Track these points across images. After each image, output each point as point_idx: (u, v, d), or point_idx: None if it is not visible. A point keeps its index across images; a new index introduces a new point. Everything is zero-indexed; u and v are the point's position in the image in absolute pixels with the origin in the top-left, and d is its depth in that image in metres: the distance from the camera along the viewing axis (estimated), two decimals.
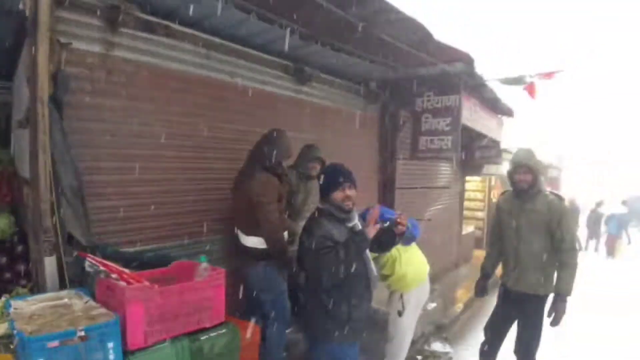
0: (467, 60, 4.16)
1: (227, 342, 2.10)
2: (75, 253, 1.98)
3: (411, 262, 3.11)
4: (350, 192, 2.26)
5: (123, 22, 2.47)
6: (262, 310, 2.66)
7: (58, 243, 2.00)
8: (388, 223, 2.40)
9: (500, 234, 3.26)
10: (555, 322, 2.93)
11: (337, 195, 2.25)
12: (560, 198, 3.10)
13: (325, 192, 2.29)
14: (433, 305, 5.36)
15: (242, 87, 3.30)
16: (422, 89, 4.84)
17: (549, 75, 4.82)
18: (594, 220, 13.99)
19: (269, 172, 2.64)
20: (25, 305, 1.77)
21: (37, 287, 2.09)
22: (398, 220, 2.30)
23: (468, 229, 8.92)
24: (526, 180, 3.00)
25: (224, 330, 2.11)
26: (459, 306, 5.68)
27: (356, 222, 2.34)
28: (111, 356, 1.66)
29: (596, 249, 13.57)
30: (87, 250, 2.07)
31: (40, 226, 1.89)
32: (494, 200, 9.82)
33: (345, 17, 2.70)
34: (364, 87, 4.83)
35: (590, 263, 10.58)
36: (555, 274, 2.97)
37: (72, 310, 1.76)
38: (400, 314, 3.08)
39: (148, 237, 2.66)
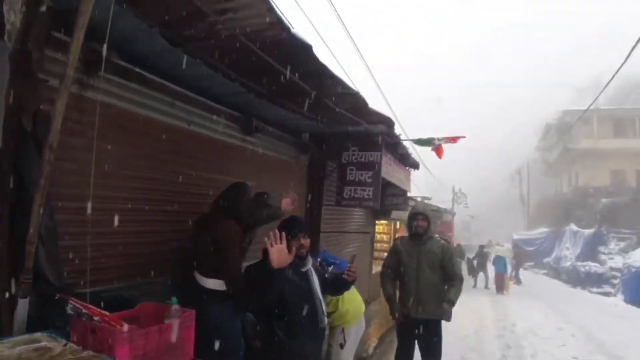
0: (389, 123, 4.89)
1: None
2: (57, 295, 1.99)
3: (351, 299, 3.53)
4: (304, 241, 2.62)
5: (99, 66, 2.60)
6: (217, 349, 2.80)
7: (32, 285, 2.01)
8: (332, 268, 2.79)
9: (398, 272, 3.96)
10: (447, 318, 3.75)
11: (293, 243, 2.58)
12: (448, 242, 4.15)
13: None
14: None
15: (197, 134, 3.52)
16: (348, 144, 5.46)
17: (453, 139, 5.80)
18: (480, 260, 15.98)
19: (235, 220, 2.90)
20: (5, 349, 1.76)
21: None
22: (350, 269, 2.69)
23: (377, 268, 9.66)
24: (422, 226, 3.84)
25: None
26: (374, 340, 6.17)
27: (309, 267, 2.68)
28: None
29: (486, 286, 15.37)
30: (61, 292, 2.09)
31: (23, 267, 1.90)
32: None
33: (304, 86, 3.15)
34: (297, 138, 5.30)
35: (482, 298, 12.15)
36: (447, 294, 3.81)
37: (57, 353, 1.79)
38: (342, 346, 3.45)
39: (108, 277, 2.68)
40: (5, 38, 2.02)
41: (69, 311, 1.94)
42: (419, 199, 12.97)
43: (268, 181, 4.70)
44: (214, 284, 2.81)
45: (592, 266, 18.22)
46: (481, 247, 16.72)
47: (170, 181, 3.20)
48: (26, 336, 1.91)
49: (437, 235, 4.16)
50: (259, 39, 2.54)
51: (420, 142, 5.82)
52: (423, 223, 3.87)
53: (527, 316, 9.91)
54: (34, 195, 2.00)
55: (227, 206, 2.95)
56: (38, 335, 1.93)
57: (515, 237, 26.17)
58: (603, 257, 19.25)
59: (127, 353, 1.90)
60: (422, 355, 3.84)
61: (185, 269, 3.01)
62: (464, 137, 5.76)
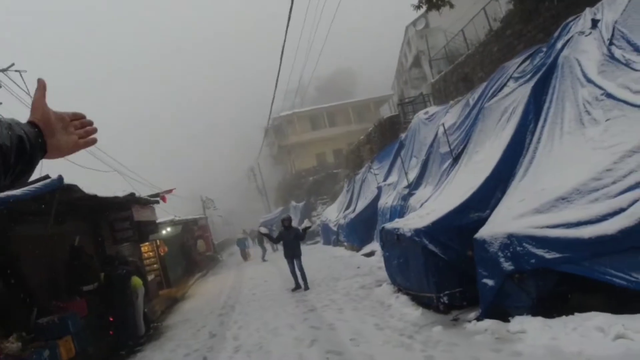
0: (156, 196, 9.17)
1: None
2: None
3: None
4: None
5: None
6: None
7: None
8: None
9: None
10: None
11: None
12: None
13: None
14: None
15: None
16: (112, 211, 9.43)
17: (170, 191, 10.46)
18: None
19: None
20: None
21: None
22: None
23: (150, 276, 13.63)
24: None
25: None
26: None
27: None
28: None
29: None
30: None
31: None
32: (162, 253, 15.11)
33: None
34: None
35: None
36: None
37: None
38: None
39: None
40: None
41: None
42: (171, 217, 17.36)
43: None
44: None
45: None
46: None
47: None
48: None
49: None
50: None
51: (152, 196, 10.25)
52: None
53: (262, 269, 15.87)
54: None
55: None
56: None
57: (261, 220, 33.66)
58: (314, 218, 28.15)
59: None
60: None
61: None
62: (174, 188, 10.53)
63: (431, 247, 5.43)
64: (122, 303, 7.32)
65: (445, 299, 5.24)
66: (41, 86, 0.95)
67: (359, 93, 45.24)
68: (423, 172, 10.21)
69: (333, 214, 20.76)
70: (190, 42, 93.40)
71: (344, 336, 5.49)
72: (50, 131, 0.91)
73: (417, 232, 5.70)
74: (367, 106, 39.40)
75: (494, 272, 4.38)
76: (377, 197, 13.92)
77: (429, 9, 8.57)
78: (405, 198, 10.60)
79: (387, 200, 12.40)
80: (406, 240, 6.09)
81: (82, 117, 1.02)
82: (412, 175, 10.88)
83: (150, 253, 15.18)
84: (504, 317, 4.26)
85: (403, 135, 13.35)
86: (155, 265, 15.19)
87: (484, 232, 4.66)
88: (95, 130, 1.04)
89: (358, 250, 13.97)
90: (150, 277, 13.57)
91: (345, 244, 16.05)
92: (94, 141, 1.03)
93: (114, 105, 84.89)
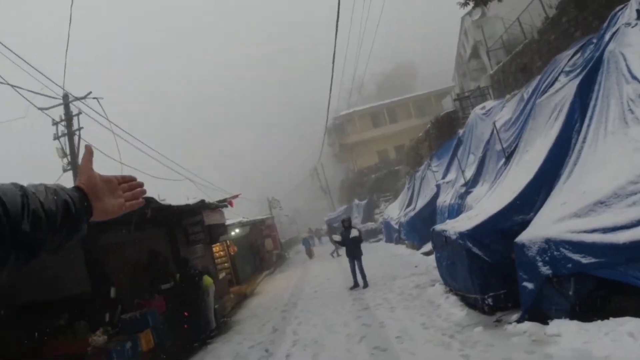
0: (224, 202, 10.11)
1: None
2: None
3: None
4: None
5: None
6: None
7: None
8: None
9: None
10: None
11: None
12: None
13: None
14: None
15: None
16: (185, 217, 10.49)
17: (236, 196, 11.33)
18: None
19: None
20: None
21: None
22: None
23: (221, 275, 14.78)
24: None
25: None
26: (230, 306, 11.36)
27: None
28: None
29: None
30: None
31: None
32: (232, 253, 16.28)
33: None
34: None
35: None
36: None
37: None
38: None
39: None
40: None
41: None
42: (239, 219, 18.56)
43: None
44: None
45: (370, 225, 26.86)
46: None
47: None
48: None
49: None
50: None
51: (221, 201, 11.17)
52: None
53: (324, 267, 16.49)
54: None
55: None
56: None
57: (325, 218, 34.45)
58: (377, 216, 28.29)
59: None
60: None
61: None
62: (240, 194, 11.37)
63: (475, 249, 5.52)
64: (195, 300, 8.21)
65: (489, 301, 5.33)
66: (88, 152, 1.00)
67: (420, 87, 44.31)
68: (480, 169, 10.06)
69: (395, 211, 20.78)
70: (256, 44, 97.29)
71: (391, 334, 5.78)
72: (96, 195, 0.94)
73: (462, 235, 5.81)
74: (428, 100, 38.54)
75: (532, 276, 4.43)
76: (436, 195, 13.84)
77: (476, 5, 8.46)
78: (463, 196, 10.49)
79: (445, 198, 12.31)
80: (452, 243, 6.21)
81: (132, 179, 1.07)
82: (470, 172, 10.74)
83: (221, 253, 16.40)
84: (544, 319, 4.31)
85: (461, 132, 13.14)
86: (225, 264, 16.39)
87: (524, 236, 4.70)
88: (143, 193, 1.09)
89: (418, 248, 13.99)
90: (221, 276, 14.71)
91: (406, 242, 16.09)
92: (140, 204, 1.08)
93: (186, 113, 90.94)
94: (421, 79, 49.63)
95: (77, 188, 0.92)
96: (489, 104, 11.22)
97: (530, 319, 4.44)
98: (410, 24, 67.79)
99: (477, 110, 11.51)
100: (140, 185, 1.09)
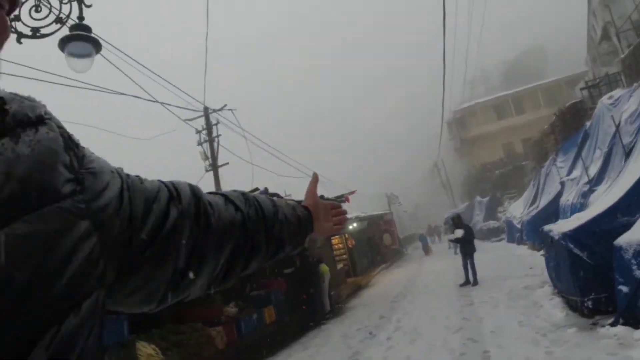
0: (340, 197, 11.36)
1: None
2: None
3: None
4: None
5: None
6: None
7: None
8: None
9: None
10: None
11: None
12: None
13: None
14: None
15: None
16: None
17: (352, 192, 12.31)
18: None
19: None
20: None
21: None
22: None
23: (339, 265, 16.01)
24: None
25: None
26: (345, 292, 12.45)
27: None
28: None
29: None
30: None
31: None
32: (350, 246, 17.44)
33: None
34: None
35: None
36: None
37: None
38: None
39: None
40: None
41: None
42: (357, 214, 19.65)
43: None
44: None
45: (492, 223, 25.57)
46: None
47: None
48: None
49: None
50: None
51: (337, 197, 12.27)
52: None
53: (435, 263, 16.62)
54: None
55: None
56: None
57: (446, 215, 33.58)
58: (500, 214, 26.74)
59: None
60: None
61: None
62: (355, 190, 12.29)
63: (576, 251, 5.49)
64: (312, 284, 9.42)
65: (589, 304, 5.26)
66: (315, 179, 1.16)
67: (551, 73, 39.85)
68: (605, 166, 9.31)
69: (518, 210, 19.56)
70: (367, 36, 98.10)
71: (486, 328, 6.07)
72: (317, 216, 1.09)
73: (564, 235, 5.78)
74: (559, 87, 34.64)
75: (628, 279, 4.38)
76: (559, 193, 12.92)
77: None
78: (585, 195, 9.80)
79: (569, 197, 11.49)
80: (556, 243, 6.17)
81: (338, 207, 1.20)
82: (595, 169, 9.95)
83: (340, 245, 17.66)
84: (637, 324, 4.25)
85: (588, 124, 12.02)
86: (344, 256, 17.60)
87: (622, 238, 4.63)
88: (346, 220, 1.24)
89: (539, 249, 13.23)
90: (339, 266, 15.96)
91: (527, 242, 15.24)
92: (343, 229, 1.25)
93: (308, 114, 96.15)
94: (552, 65, 44.44)
95: (305, 208, 1.07)
96: (617, 92, 10.15)
97: (625, 323, 4.40)
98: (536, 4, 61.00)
99: (605, 100, 10.49)
100: (344, 212, 1.23)
